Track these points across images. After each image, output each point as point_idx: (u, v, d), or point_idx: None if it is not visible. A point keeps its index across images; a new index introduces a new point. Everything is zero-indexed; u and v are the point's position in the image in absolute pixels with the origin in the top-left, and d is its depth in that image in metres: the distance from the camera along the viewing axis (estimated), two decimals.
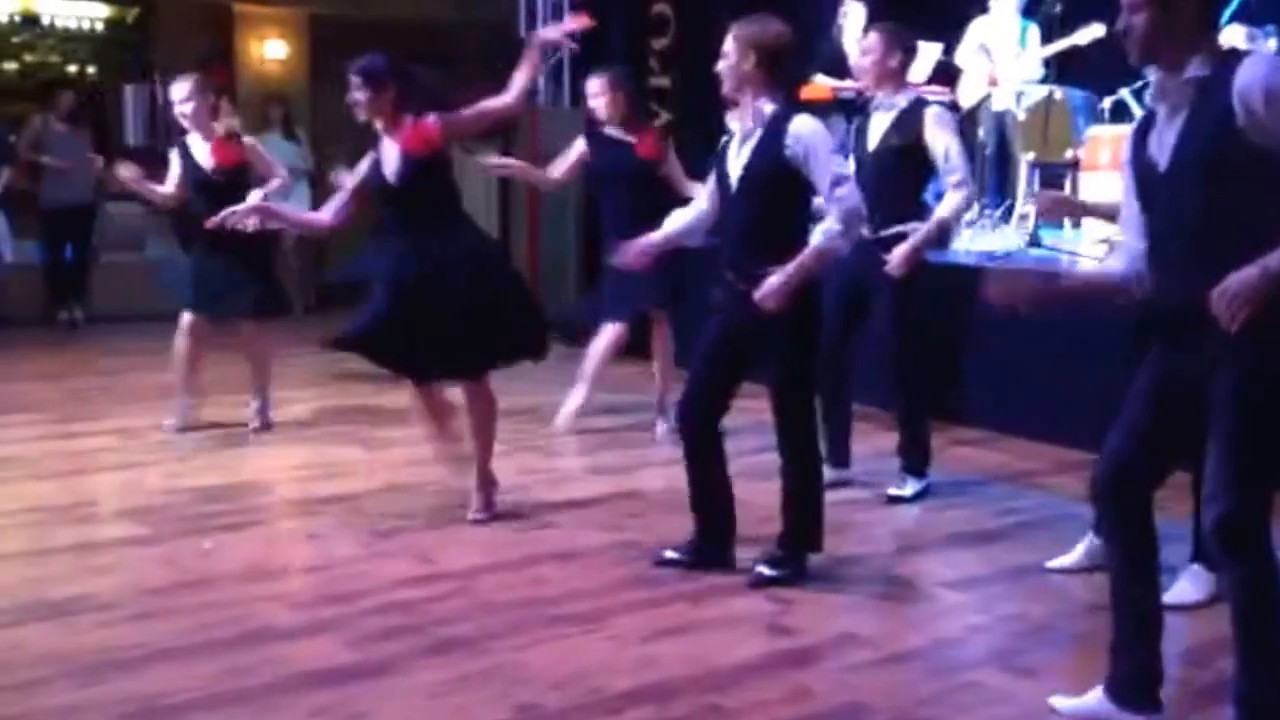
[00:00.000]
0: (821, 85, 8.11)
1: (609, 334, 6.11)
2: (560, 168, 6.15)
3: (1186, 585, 3.87)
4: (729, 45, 3.99)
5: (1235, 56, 2.77)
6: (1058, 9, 7.03)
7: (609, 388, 7.25)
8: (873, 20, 8.16)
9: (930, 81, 8.31)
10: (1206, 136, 2.72)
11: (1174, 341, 2.84)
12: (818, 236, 3.89)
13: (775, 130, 3.93)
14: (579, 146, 6.08)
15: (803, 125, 3.93)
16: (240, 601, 3.86)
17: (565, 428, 6.18)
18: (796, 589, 3.97)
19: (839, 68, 8.11)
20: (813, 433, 4.15)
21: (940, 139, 4.90)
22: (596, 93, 5.96)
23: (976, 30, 7.93)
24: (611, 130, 5.98)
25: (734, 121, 4.09)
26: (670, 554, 4.22)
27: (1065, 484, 5.20)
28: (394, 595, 3.90)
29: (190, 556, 4.28)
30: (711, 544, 4.20)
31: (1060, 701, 3.11)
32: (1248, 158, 2.66)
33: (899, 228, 4.87)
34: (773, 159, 3.92)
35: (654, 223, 4.44)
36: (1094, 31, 7.09)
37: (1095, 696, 3.04)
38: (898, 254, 4.80)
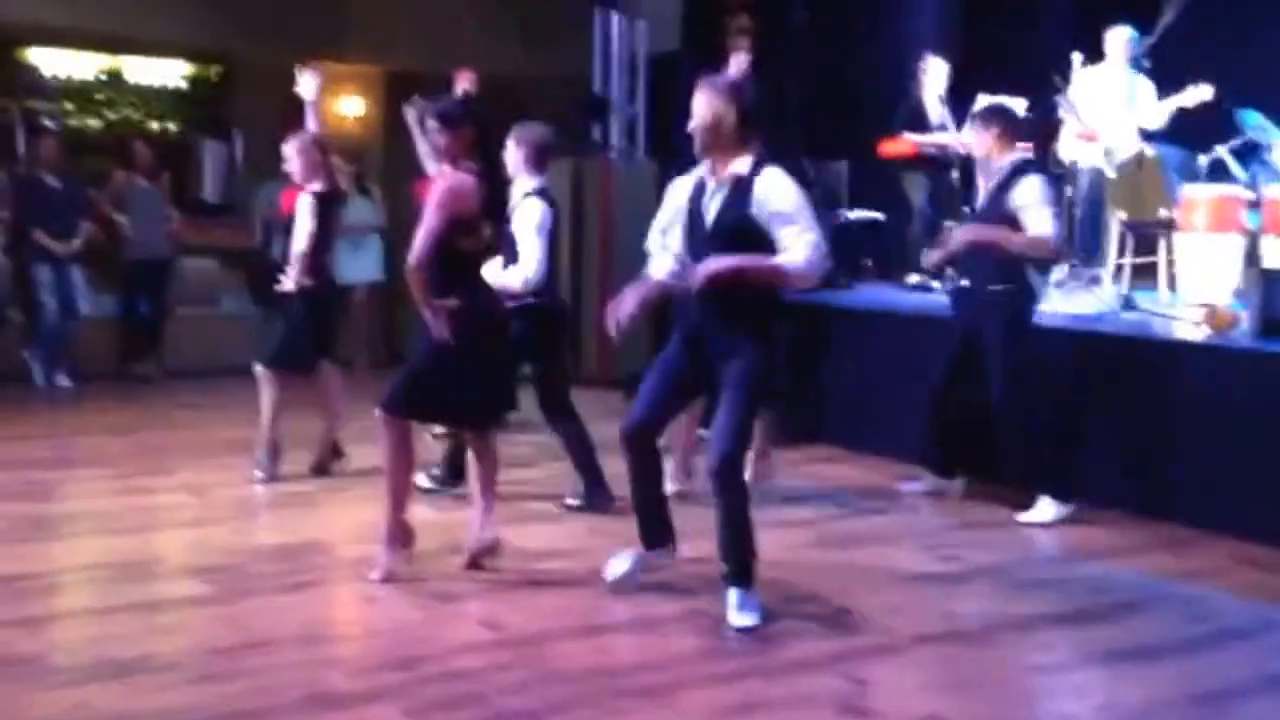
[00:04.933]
0: (905, 141, 8.02)
1: None
2: None
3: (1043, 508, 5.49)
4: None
5: (759, 166, 4.11)
6: (1146, 64, 6.86)
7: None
8: (955, 74, 8.08)
9: None
10: (733, 214, 4.14)
11: (695, 340, 4.26)
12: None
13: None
14: None
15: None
16: (302, 665, 3.79)
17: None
18: (874, 667, 3.80)
19: (919, 123, 8.01)
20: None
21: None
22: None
23: (1080, 81, 7.70)
24: None
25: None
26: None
27: (1163, 563, 4.98)
28: (456, 662, 3.81)
29: (254, 617, 4.22)
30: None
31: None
32: (753, 231, 4.10)
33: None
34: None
35: None
36: (1202, 94, 6.92)
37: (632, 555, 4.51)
38: None
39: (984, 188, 5.76)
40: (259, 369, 6.15)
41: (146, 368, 9.65)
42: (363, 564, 4.66)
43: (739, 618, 4.16)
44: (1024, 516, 5.55)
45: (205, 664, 3.76)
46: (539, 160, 5.53)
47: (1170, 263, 7.05)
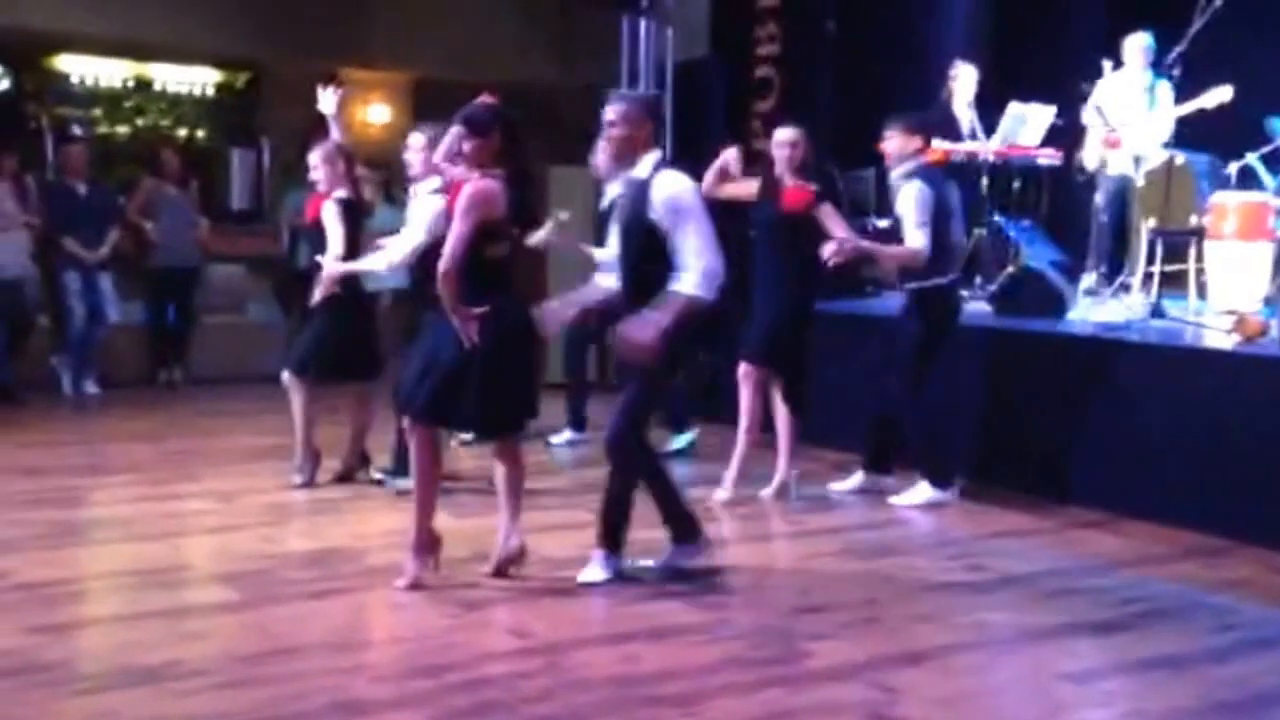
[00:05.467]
0: (934, 149, 7.98)
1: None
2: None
3: (921, 489, 5.96)
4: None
5: (656, 169, 4.46)
6: (1176, 71, 6.82)
7: (708, 458, 7.13)
8: (984, 82, 8.05)
9: (1044, 144, 8.15)
10: (632, 216, 4.50)
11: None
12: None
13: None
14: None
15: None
16: (328, 672, 3.79)
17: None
18: (902, 676, 3.78)
19: (948, 130, 7.97)
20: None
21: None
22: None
23: (1103, 88, 7.68)
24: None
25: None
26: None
27: (1192, 572, 4.94)
28: (482, 669, 3.81)
29: (281, 623, 4.23)
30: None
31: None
32: (651, 234, 4.42)
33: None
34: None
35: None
36: (1222, 94, 6.87)
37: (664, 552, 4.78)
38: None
39: (896, 192, 5.94)
40: (286, 376, 6.18)
41: (173, 375, 9.71)
42: (389, 571, 4.67)
43: (588, 574, 4.65)
44: (896, 499, 6.00)
45: (232, 670, 3.77)
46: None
47: (1199, 270, 7.01)
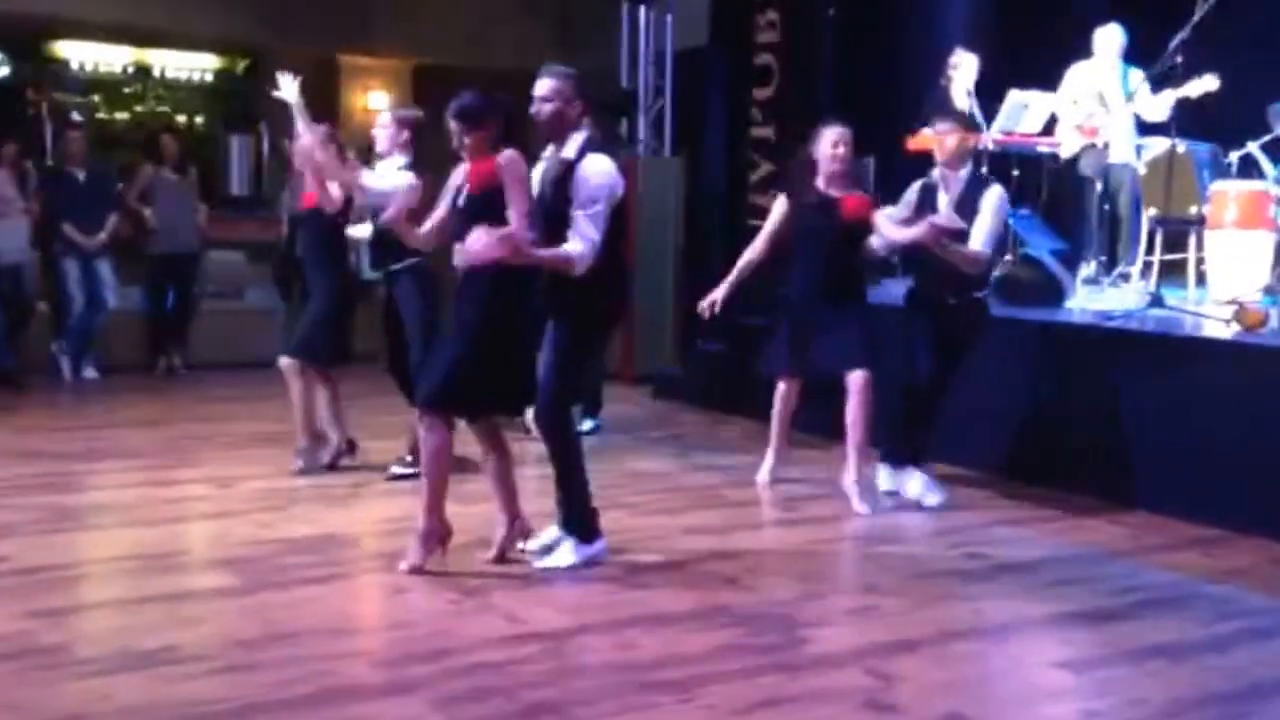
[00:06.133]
0: (930, 137, 7.97)
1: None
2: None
3: (920, 489, 5.77)
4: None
5: (584, 151, 4.42)
6: (1178, 60, 6.80)
7: (709, 447, 7.14)
8: (984, 69, 8.02)
9: (1044, 133, 8.13)
10: (556, 195, 4.41)
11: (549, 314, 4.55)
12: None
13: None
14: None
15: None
16: (327, 657, 3.79)
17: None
18: (898, 663, 3.78)
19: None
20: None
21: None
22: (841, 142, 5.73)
23: (1074, 76, 7.69)
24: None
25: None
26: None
27: (1192, 561, 4.94)
28: (481, 655, 3.81)
29: (279, 608, 4.23)
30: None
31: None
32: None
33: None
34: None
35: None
36: (1206, 84, 6.86)
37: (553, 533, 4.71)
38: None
39: (947, 190, 5.71)
40: (283, 362, 6.18)
41: (172, 361, 9.71)
42: (389, 557, 4.68)
43: (553, 558, 4.63)
44: (929, 501, 5.77)
45: (231, 655, 3.77)
46: (415, 141, 5.77)
47: (1199, 259, 7.00)
